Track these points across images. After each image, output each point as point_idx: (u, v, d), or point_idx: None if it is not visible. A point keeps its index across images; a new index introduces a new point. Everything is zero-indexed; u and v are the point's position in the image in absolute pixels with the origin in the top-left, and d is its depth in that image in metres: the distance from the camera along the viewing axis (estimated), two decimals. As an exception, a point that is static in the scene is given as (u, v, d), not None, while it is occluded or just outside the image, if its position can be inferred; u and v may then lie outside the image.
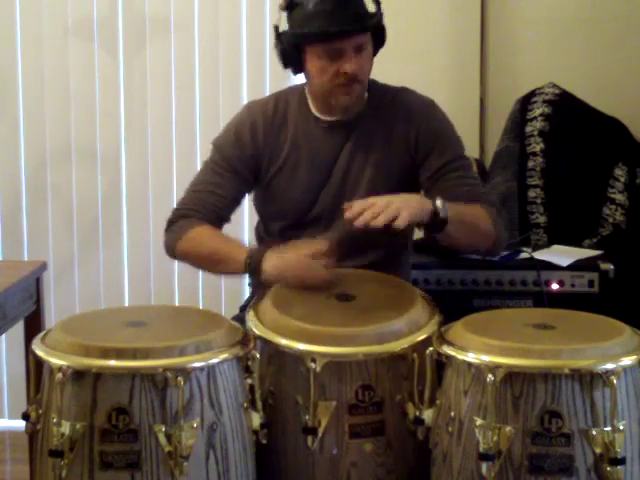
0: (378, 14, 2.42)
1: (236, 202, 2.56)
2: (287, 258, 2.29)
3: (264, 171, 2.53)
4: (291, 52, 2.41)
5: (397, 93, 2.55)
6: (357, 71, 2.37)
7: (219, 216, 2.51)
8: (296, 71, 2.47)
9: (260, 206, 2.62)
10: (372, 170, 2.48)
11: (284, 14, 2.42)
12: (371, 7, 2.41)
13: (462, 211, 2.28)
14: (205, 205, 2.50)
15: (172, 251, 2.51)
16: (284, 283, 2.25)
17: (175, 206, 2.56)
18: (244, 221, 3.46)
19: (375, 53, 2.45)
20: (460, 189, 2.41)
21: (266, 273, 2.28)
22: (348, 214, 2.14)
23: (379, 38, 2.44)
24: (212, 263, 2.45)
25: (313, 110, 2.51)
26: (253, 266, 2.31)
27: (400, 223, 2.10)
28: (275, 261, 2.29)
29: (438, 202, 2.21)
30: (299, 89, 2.56)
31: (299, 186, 2.50)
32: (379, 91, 2.53)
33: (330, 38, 2.35)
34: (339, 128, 2.49)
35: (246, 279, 2.75)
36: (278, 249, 2.32)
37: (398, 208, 2.12)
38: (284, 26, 2.42)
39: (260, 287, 2.39)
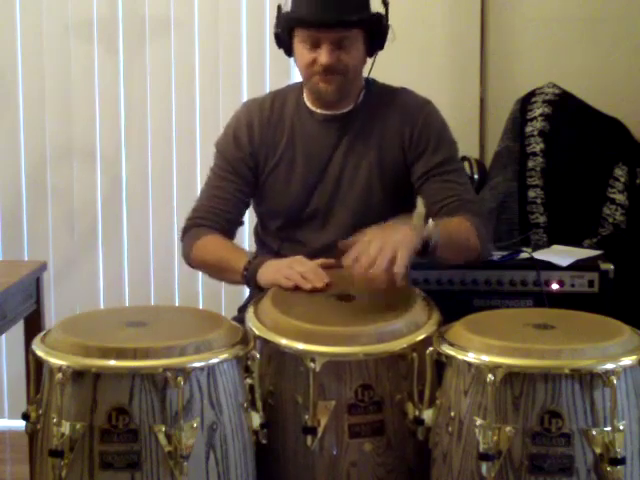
0: (375, 15, 2.41)
1: (244, 203, 2.59)
2: (281, 268, 2.29)
3: (261, 169, 2.55)
4: (283, 33, 2.44)
5: (395, 92, 2.56)
6: (332, 64, 2.38)
7: (229, 220, 2.55)
8: (288, 53, 2.48)
9: (257, 204, 2.63)
10: (367, 167, 2.50)
11: None
12: (375, 4, 2.41)
13: (451, 232, 2.29)
14: (214, 212, 2.54)
15: (188, 260, 2.57)
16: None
17: (188, 215, 2.59)
18: (244, 221, 3.46)
19: (373, 49, 2.45)
20: (449, 194, 2.43)
21: (261, 282, 2.32)
22: (346, 261, 2.11)
23: (376, 34, 2.43)
24: (218, 271, 2.50)
25: (308, 104, 2.53)
26: (250, 277, 2.35)
27: (399, 269, 2.07)
28: (269, 271, 2.30)
29: (431, 228, 2.21)
30: (297, 87, 2.58)
31: (295, 182, 2.52)
32: (377, 90, 2.55)
33: (308, 26, 2.37)
34: (334, 122, 2.50)
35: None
36: (275, 261, 2.34)
37: (394, 249, 2.07)
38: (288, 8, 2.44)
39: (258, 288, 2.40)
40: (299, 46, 2.42)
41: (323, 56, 2.37)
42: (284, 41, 2.46)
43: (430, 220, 2.25)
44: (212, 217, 2.53)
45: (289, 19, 2.41)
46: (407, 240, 2.13)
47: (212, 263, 2.49)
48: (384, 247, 2.08)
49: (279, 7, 2.45)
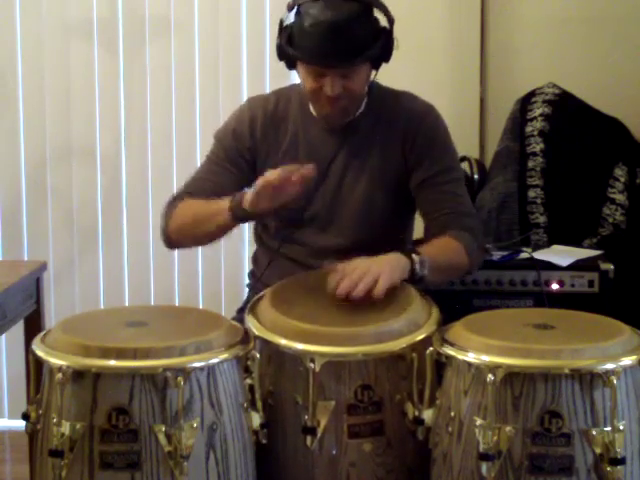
0: (381, 39, 2.37)
1: (232, 194, 2.55)
2: (265, 176, 2.25)
3: (261, 166, 2.53)
4: (285, 51, 2.40)
5: (398, 96, 2.54)
6: (339, 94, 2.36)
7: None
8: (289, 67, 2.46)
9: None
10: (369, 172, 2.49)
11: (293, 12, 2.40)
12: (382, 22, 2.39)
13: (439, 261, 2.30)
14: (200, 192, 2.48)
15: (166, 232, 2.49)
16: (264, 202, 2.23)
17: (176, 191, 2.56)
18: (244, 221, 3.46)
19: (379, 64, 2.43)
20: (444, 205, 2.43)
21: (247, 201, 2.26)
22: (331, 283, 2.13)
23: (383, 55, 2.40)
24: (200, 224, 2.42)
25: (312, 110, 2.52)
26: (236, 207, 2.29)
27: (378, 293, 2.11)
28: (251, 190, 2.26)
29: (416, 259, 2.22)
30: (300, 88, 2.56)
31: (296, 184, 2.51)
32: (380, 94, 2.53)
33: (313, 65, 2.35)
34: (338, 130, 2.49)
35: (245, 280, 2.75)
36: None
37: (377, 274, 2.13)
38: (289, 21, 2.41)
39: (258, 288, 2.39)
40: (302, 72, 2.40)
41: (329, 88, 2.35)
42: (287, 57, 2.41)
43: (417, 256, 2.24)
44: (197, 194, 2.47)
45: (293, 54, 2.37)
46: (390, 270, 2.17)
47: (193, 217, 2.42)
48: (367, 273, 2.13)
49: (281, 21, 2.41)
